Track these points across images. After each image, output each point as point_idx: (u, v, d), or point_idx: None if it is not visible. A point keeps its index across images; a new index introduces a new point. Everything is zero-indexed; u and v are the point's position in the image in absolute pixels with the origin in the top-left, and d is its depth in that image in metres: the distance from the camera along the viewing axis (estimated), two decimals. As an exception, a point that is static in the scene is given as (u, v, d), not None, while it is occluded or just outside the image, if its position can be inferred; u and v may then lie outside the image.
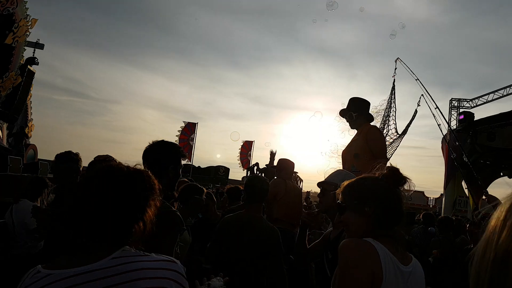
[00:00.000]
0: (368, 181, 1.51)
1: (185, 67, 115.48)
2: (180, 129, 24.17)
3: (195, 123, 24.60)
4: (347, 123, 3.98)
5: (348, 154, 3.76)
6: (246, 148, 27.51)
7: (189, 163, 26.03)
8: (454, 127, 17.39)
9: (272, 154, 9.34)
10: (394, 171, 1.48)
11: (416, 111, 8.93)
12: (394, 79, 9.85)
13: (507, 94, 17.03)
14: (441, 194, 17.18)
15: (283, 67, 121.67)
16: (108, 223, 1.02)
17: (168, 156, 2.04)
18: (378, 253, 1.28)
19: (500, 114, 13.78)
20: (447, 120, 19.34)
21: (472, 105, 18.76)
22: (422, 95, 7.41)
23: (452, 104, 19.44)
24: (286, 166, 4.25)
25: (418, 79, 8.70)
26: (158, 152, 2.01)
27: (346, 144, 3.96)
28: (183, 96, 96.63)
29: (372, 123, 3.92)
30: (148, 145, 2.04)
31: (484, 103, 18.18)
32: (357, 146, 3.63)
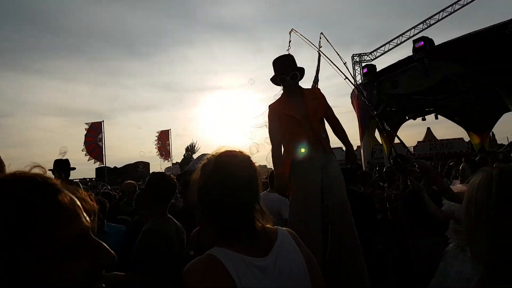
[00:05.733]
0: None
1: (80, 65, 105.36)
2: (85, 131, 22.00)
3: (100, 122, 22.69)
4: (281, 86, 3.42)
5: (315, 119, 3.26)
6: (163, 138, 26.09)
7: (102, 165, 23.96)
8: (360, 81, 17.97)
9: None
10: None
11: (319, 55, 8.26)
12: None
13: (401, 43, 18.03)
14: (358, 147, 17.85)
15: (187, 50, 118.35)
16: None
17: None
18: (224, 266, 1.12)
19: (398, 61, 14.39)
20: (352, 76, 20.01)
21: (372, 58, 19.61)
22: (322, 33, 6.59)
23: (355, 60, 20.18)
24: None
25: (320, 40, 8.16)
26: None
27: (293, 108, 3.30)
28: (85, 97, 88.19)
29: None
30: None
31: (383, 53, 19.09)
32: (319, 110, 3.29)
